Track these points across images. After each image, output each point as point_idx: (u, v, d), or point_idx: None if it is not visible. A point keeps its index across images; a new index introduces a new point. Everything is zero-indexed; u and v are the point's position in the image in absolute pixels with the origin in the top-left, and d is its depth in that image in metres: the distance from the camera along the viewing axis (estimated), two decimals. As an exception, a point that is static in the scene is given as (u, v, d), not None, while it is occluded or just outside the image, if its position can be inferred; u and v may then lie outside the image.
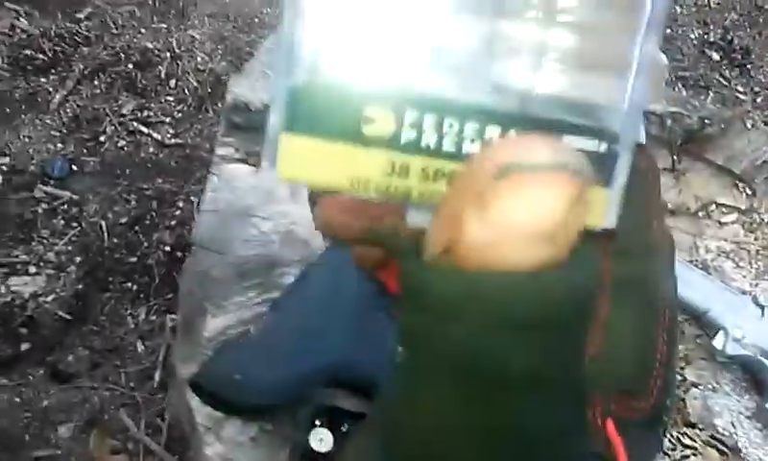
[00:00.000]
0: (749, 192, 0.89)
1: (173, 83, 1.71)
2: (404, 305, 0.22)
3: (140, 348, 1.35)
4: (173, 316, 1.38)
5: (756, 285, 0.83)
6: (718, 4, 2.10)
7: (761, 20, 2.06)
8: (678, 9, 2.05)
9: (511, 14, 0.22)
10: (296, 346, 0.66)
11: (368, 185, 0.22)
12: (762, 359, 0.76)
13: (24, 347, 1.32)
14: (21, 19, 1.74)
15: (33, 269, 1.41)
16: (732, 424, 0.74)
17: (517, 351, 0.20)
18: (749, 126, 0.89)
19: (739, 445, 0.72)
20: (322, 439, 0.61)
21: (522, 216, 0.19)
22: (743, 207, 0.88)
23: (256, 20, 1.87)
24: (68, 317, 1.36)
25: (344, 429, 0.62)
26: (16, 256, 1.41)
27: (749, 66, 1.89)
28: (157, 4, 1.85)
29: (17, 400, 1.26)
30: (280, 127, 0.22)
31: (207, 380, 0.65)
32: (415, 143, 0.22)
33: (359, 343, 0.68)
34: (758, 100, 1.88)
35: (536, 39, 0.22)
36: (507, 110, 0.22)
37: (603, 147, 0.22)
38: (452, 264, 0.20)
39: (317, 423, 0.62)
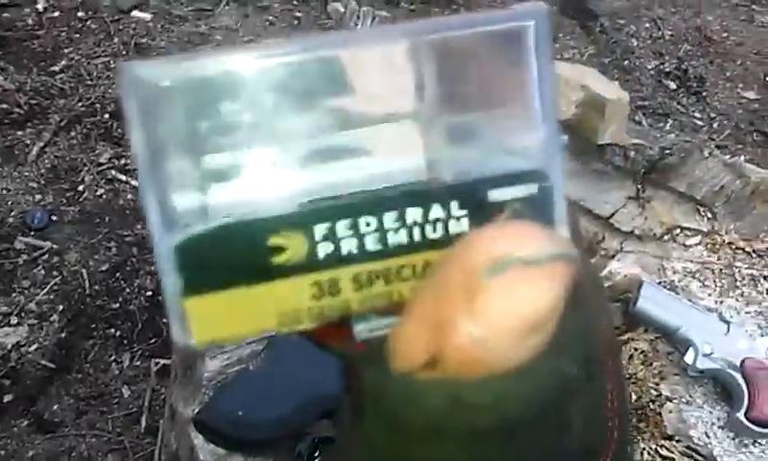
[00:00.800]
0: (710, 216, 0.95)
1: (149, 130, 1.74)
2: (374, 425, 0.20)
3: (126, 393, 1.36)
4: (157, 360, 1.39)
5: (721, 303, 0.88)
6: (672, 35, 2.20)
7: (712, 50, 2.17)
8: (634, 41, 2.15)
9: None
10: (293, 380, 0.68)
11: (299, 317, 0.20)
12: (731, 371, 0.80)
13: (7, 398, 1.32)
14: (-3, 74, 1.76)
15: (14, 320, 1.41)
16: (707, 435, 0.78)
17: (515, 455, 0.19)
18: (706, 154, 0.95)
19: (714, 453, 0.77)
20: (324, 470, 0.63)
21: (521, 313, 0.18)
22: (705, 230, 0.94)
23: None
24: (52, 366, 1.36)
25: (344, 458, 0.65)
26: (-3, 308, 1.42)
27: (704, 93, 1.99)
28: (131, 54, 1.88)
29: (1, 452, 1.26)
30: (179, 293, 0.19)
31: (210, 418, 0.67)
32: (335, 255, 0.20)
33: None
34: (714, 125, 1.97)
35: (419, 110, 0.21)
36: (421, 188, 0.20)
37: (533, 189, 0.21)
38: (438, 374, 0.18)
39: (317, 455, 0.65)
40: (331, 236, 0.20)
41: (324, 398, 0.69)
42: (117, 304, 1.46)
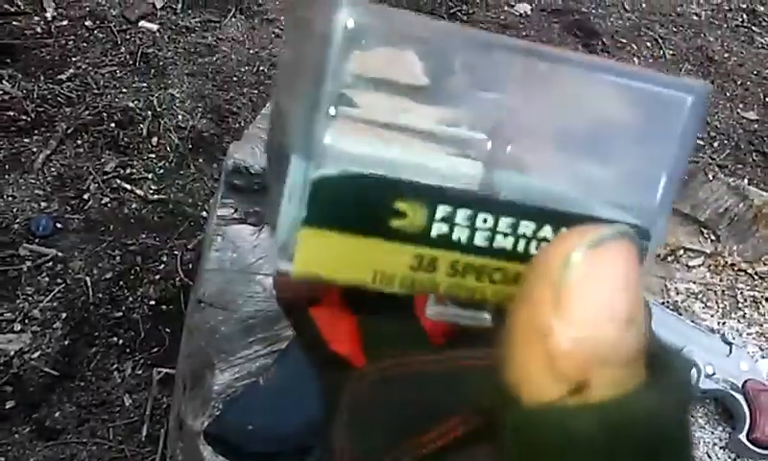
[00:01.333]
0: (713, 237, 0.96)
1: (154, 140, 1.75)
2: None
3: (127, 402, 1.37)
4: (160, 369, 1.40)
5: (724, 324, 0.90)
6: (673, 55, 2.23)
7: (713, 70, 2.19)
8: (636, 60, 2.17)
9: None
10: (303, 393, 0.69)
11: (392, 280, 0.21)
12: (732, 393, 0.82)
13: (9, 405, 1.32)
14: (4, 82, 1.77)
15: (18, 326, 1.42)
16: (708, 455, 0.79)
17: None
18: (710, 176, 0.96)
19: (715, 474, 0.78)
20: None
21: (604, 295, 0.18)
22: (708, 252, 0.95)
23: (235, 79, 1.92)
24: (54, 373, 1.36)
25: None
26: (1, 314, 1.42)
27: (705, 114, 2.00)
28: (138, 64, 1.89)
29: (3, 458, 1.26)
30: (299, 221, 0.20)
31: (220, 431, 0.68)
32: (445, 238, 0.21)
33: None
34: (715, 144, 1.99)
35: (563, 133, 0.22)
36: (540, 206, 0.22)
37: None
38: (579, 401, 0.18)
39: (327, 468, 0.65)
40: (449, 220, 0.21)
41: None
42: (120, 313, 1.47)
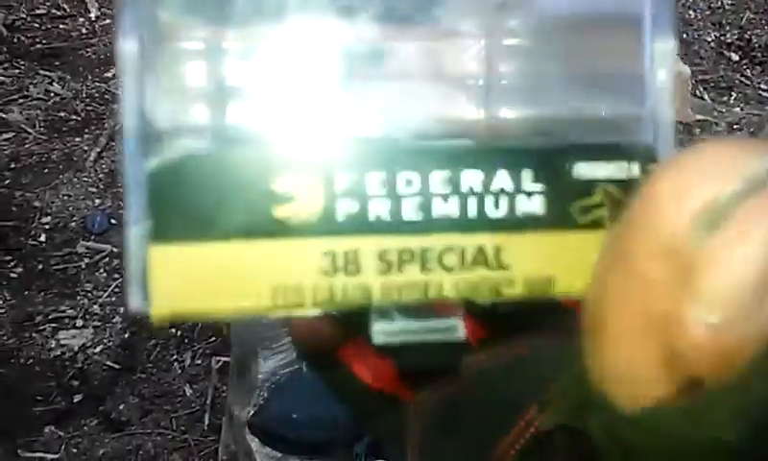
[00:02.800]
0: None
1: (201, 130, 1.76)
2: None
3: (188, 392, 1.39)
4: (218, 358, 1.41)
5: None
6: (732, 4, 2.10)
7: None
8: (691, 13, 2.06)
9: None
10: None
11: (301, 296, 0.15)
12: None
13: (77, 399, 1.36)
14: (55, 84, 1.80)
15: (80, 322, 1.45)
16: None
17: None
18: (776, 127, 0.90)
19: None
20: (382, 470, 0.62)
21: (759, 257, 0.12)
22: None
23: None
24: (117, 367, 1.39)
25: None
26: (63, 311, 1.46)
27: (769, 63, 1.89)
28: (181, 56, 1.90)
29: (74, 450, 1.30)
30: (146, 236, 0.15)
31: (266, 421, 0.67)
32: (359, 219, 0.15)
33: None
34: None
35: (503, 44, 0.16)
36: (484, 145, 0.16)
37: (635, 169, 0.16)
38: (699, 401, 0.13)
39: (374, 456, 0.64)
40: (357, 191, 0.15)
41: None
42: (177, 304, 1.48)
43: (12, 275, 1.49)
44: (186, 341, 1.44)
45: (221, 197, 0.15)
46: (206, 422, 1.34)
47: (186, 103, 0.15)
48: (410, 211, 0.15)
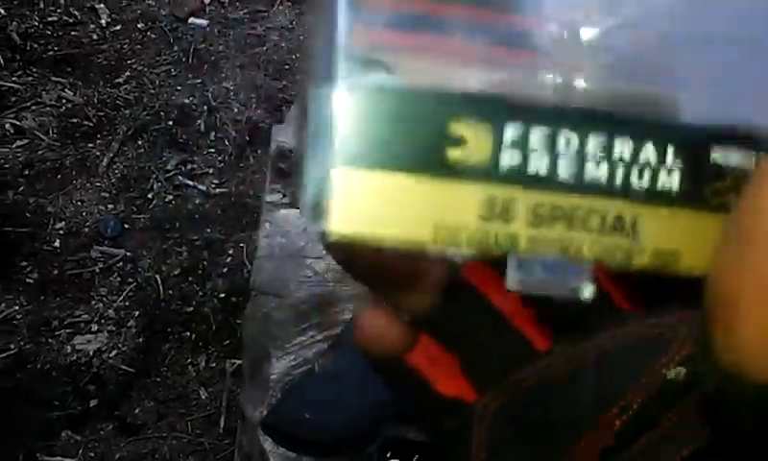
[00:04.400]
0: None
1: (212, 135, 1.77)
2: None
3: (203, 395, 1.39)
4: (233, 361, 1.41)
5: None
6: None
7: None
8: None
9: None
10: (360, 381, 0.67)
11: (457, 236, 0.16)
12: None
13: (92, 403, 1.36)
14: (67, 90, 1.82)
15: (94, 327, 1.46)
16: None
17: None
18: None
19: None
20: (397, 471, 0.62)
21: None
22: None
23: (287, 67, 1.92)
24: (132, 371, 1.40)
25: (417, 459, 0.63)
26: (78, 316, 1.47)
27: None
28: (191, 60, 1.91)
29: (91, 454, 1.30)
30: (330, 161, 0.15)
31: (279, 422, 0.67)
32: (519, 171, 0.16)
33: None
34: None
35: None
36: (636, 116, 0.16)
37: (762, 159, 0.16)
38: None
39: (388, 455, 0.63)
40: (521, 143, 0.16)
41: (392, 398, 0.67)
42: (191, 308, 1.49)
43: (29, 280, 1.50)
44: (201, 344, 1.44)
45: (402, 132, 0.15)
46: (222, 425, 1.35)
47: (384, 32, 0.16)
48: (565, 170, 0.16)
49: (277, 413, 0.67)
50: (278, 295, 0.76)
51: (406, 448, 0.64)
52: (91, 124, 1.76)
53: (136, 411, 1.37)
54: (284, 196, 0.87)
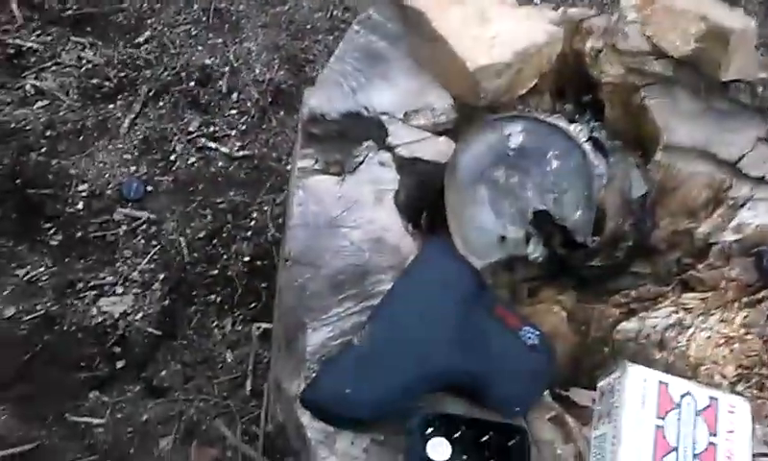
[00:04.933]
0: None
1: (234, 96, 1.74)
2: None
3: (229, 358, 1.39)
4: (258, 325, 1.41)
5: None
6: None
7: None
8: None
9: None
10: (401, 355, 0.66)
11: None
12: None
13: (119, 365, 1.37)
14: (87, 50, 1.79)
15: (120, 289, 1.46)
16: None
17: None
18: (844, 83, 0.85)
19: None
20: (439, 447, 0.61)
21: None
22: None
23: (309, 27, 1.88)
24: (158, 333, 1.40)
25: (458, 435, 0.62)
26: (103, 278, 1.47)
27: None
28: (211, 20, 1.88)
29: (119, 415, 1.31)
30: None
31: (317, 396, 0.66)
32: None
33: (463, 346, 0.68)
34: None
35: None
36: None
37: None
38: None
39: (429, 431, 0.62)
40: None
41: (434, 372, 0.66)
42: (216, 271, 1.48)
43: (53, 242, 1.50)
44: (226, 307, 1.44)
45: None
46: (248, 387, 1.35)
47: None
48: None
49: (317, 388, 0.66)
50: (313, 265, 0.75)
51: (446, 423, 0.63)
52: (112, 85, 1.74)
53: (163, 373, 1.37)
54: (316, 162, 0.85)
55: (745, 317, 0.79)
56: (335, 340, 0.71)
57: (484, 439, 0.64)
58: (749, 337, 0.78)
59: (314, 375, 0.67)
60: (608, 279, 0.86)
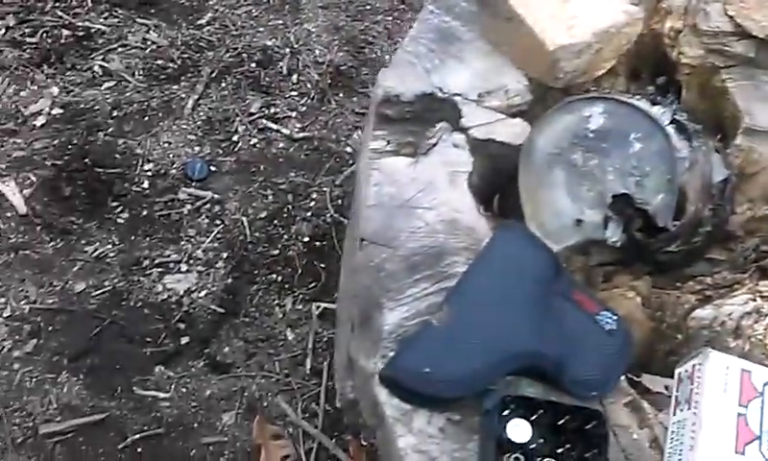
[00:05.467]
0: None
1: (295, 77, 1.76)
2: None
3: (290, 336, 1.41)
4: (318, 304, 1.43)
5: None
6: None
7: None
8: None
9: None
10: (479, 336, 0.66)
11: None
12: None
13: (184, 341, 1.40)
14: (151, 32, 1.83)
15: (184, 267, 1.49)
16: None
17: None
18: None
19: None
20: (518, 428, 0.61)
21: None
22: None
23: (368, 8, 1.88)
24: (221, 310, 1.43)
25: (536, 417, 0.62)
26: (168, 256, 1.50)
27: None
28: (272, 1, 1.89)
29: (183, 390, 1.35)
30: None
31: (396, 374, 0.66)
32: None
33: (541, 329, 0.67)
34: None
35: None
36: None
37: None
38: None
39: (507, 412, 0.62)
40: None
41: (512, 354, 0.66)
42: (277, 251, 1.51)
43: (120, 220, 1.54)
44: (287, 287, 1.46)
45: None
46: (308, 365, 1.37)
47: None
48: None
49: (395, 366, 0.66)
50: (388, 245, 0.75)
51: (526, 406, 0.63)
52: (176, 66, 1.77)
53: (225, 350, 1.40)
54: (388, 143, 0.85)
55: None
56: (411, 320, 0.71)
57: (562, 422, 0.63)
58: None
59: (392, 353, 0.68)
60: (684, 266, 0.85)
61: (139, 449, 1.26)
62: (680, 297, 0.84)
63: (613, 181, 0.79)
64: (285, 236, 1.53)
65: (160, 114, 1.70)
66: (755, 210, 0.86)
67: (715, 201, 0.82)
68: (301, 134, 1.67)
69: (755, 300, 0.80)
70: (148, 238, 1.52)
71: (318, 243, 1.51)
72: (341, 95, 1.73)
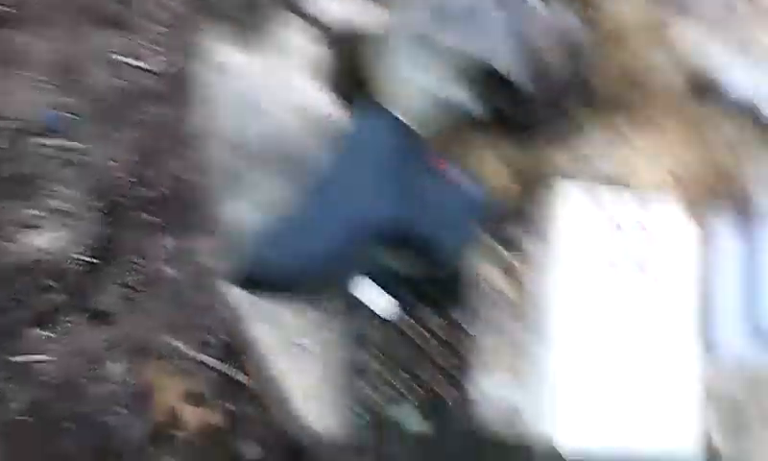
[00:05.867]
0: None
1: (150, 6, 1.65)
2: None
3: (172, 274, 1.35)
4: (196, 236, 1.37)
5: None
6: None
7: None
8: None
9: None
10: (336, 214, 0.64)
11: None
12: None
13: (58, 298, 1.32)
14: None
15: (52, 223, 1.41)
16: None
17: None
18: None
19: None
20: (382, 299, 0.59)
21: None
22: None
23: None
24: (95, 260, 1.35)
25: (399, 286, 0.60)
26: (34, 214, 1.40)
27: None
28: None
29: (65, 349, 1.28)
30: None
31: (246, 266, 0.63)
32: None
33: (398, 195, 0.65)
34: None
35: None
36: None
37: None
38: None
39: (368, 284, 0.60)
40: None
41: (371, 224, 0.63)
42: (153, 192, 1.43)
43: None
44: (165, 226, 1.39)
45: None
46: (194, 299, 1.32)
47: None
48: None
49: (245, 259, 0.63)
50: (235, 141, 0.71)
51: (389, 277, 0.61)
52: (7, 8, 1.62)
53: (104, 299, 1.33)
54: (224, 37, 0.80)
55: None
56: (261, 213, 0.67)
57: (425, 289, 0.62)
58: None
59: (241, 247, 0.64)
60: (549, 130, 0.84)
61: (31, 418, 1.19)
62: (544, 158, 0.83)
63: (471, 53, 0.76)
64: (159, 176, 1.45)
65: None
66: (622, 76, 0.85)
67: (578, 62, 0.82)
68: (165, 68, 1.57)
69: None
70: (9, 200, 1.41)
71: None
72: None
